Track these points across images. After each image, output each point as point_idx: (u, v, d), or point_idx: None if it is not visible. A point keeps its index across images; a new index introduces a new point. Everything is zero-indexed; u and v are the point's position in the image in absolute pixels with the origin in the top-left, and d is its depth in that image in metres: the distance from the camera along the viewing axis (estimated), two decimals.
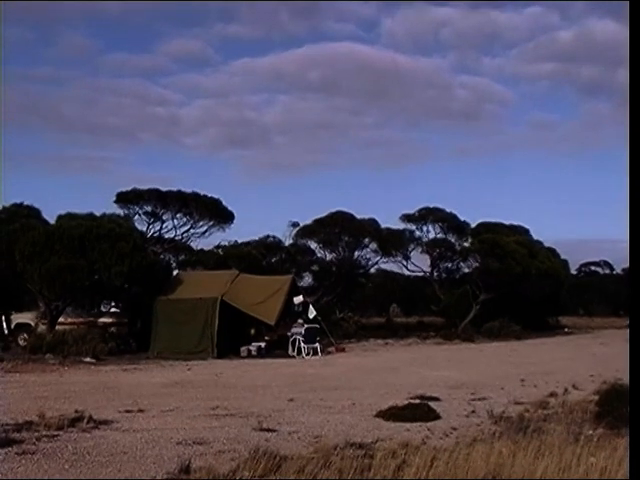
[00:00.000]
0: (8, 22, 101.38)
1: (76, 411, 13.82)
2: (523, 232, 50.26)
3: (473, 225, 48.57)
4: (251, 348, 29.38)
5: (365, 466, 8.79)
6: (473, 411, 14.77)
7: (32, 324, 31.02)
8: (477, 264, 44.69)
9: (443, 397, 16.58)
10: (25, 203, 35.12)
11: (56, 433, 11.94)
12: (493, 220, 49.91)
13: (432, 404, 14.94)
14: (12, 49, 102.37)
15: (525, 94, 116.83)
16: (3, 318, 33.13)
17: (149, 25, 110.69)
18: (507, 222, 50.86)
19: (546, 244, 50.89)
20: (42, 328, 29.69)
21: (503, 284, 41.90)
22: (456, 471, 8.11)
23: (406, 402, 15.12)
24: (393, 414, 13.90)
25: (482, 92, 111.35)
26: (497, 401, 15.94)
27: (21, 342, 29.89)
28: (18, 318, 32.39)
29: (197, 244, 43.18)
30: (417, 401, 15.45)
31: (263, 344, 30.03)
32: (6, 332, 32.31)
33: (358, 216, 45.66)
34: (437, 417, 13.88)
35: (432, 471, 8.14)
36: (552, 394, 16.80)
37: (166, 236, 41.25)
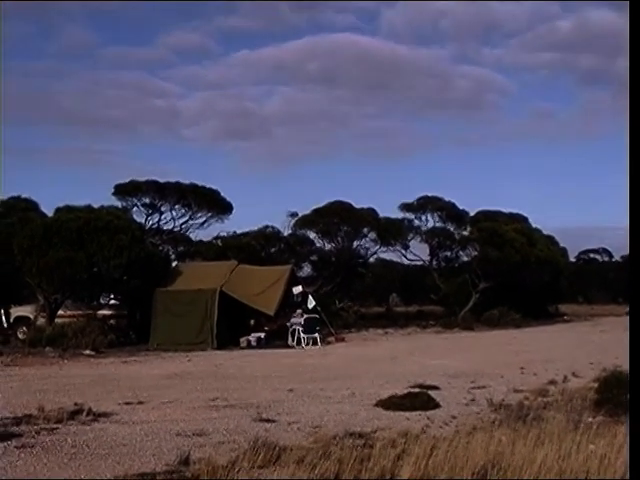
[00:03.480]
0: (8, 16, 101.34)
1: (75, 404, 13.83)
2: (522, 220, 50.27)
3: (472, 214, 48.64)
4: (251, 339, 29.38)
5: (365, 456, 8.78)
6: (473, 399, 14.78)
7: (31, 317, 31.01)
8: (476, 253, 44.67)
9: (443, 386, 16.59)
10: (23, 196, 35.16)
11: (55, 426, 11.94)
12: (492, 209, 50.00)
13: (432, 393, 14.94)
14: (12, 43, 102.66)
15: (525, 84, 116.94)
16: (2, 311, 33.14)
17: (149, 18, 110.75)
18: (506, 210, 50.95)
19: (545, 232, 50.94)
20: (41, 321, 29.69)
21: (502, 272, 41.92)
22: (456, 460, 8.09)
23: (406, 391, 15.10)
24: (393, 403, 13.91)
25: (482, 82, 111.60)
26: (497, 389, 15.94)
27: (20, 335, 29.88)
28: (17, 311, 32.39)
29: (196, 235, 43.30)
30: (417, 390, 15.44)
31: (263, 335, 30.04)
32: (5, 325, 32.33)
33: (357, 206, 45.73)
34: (437, 406, 13.88)
35: (432, 460, 8.12)
36: (552, 382, 16.81)
37: (165, 228, 41.39)
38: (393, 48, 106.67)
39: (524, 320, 42.09)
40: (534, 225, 50.93)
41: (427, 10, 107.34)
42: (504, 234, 43.16)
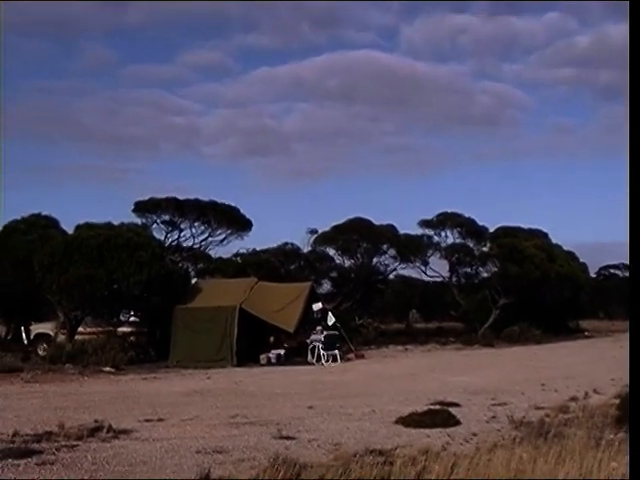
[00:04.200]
0: (28, 35, 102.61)
1: (96, 421, 13.85)
2: (542, 236, 50.06)
3: (492, 230, 48.50)
4: (270, 356, 29.36)
5: (385, 473, 8.73)
6: (493, 416, 14.70)
7: (51, 334, 31.11)
8: (496, 269, 44.53)
9: (463, 403, 16.52)
10: (43, 213, 35.30)
11: (75, 443, 11.96)
12: (512, 224, 49.82)
13: (452, 410, 14.88)
14: (33, 62, 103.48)
15: (544, 99, 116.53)
16: (23, 328, 33.33)
17: (168, 36, 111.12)
18: (526, 226, 50.73)
19: (565, 248, 50.67)
20: (61, 338, 29.76)
21: (522, 288, 41.76)
22: (477, 477, 8.05)
23: (426, 408, 15.04)
24: (413, 420, 13.85)
25: (502, 97, 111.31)
26: (517, 406, 15.85)
27: (41, 352, 29.97)
28: (38, 328, 32.54)
29: (215, 252, 43.30)
30: (437, 407, 15.39)
31: (282, 351, 30.02)
32: (26, 342, 32.47)
33: (376, 222, 45.68)
34: (457, 423, 13.82)
35: (452, 477, 8.09)
36: (573, 398, 16.71)
37: (184, 245, 41.38)
38: (412, 64, 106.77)
39: (544, 336, 41.88)
40: (554, 241, 50.74)
41: (446, 26, 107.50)
42: (524, 250, 43.01)
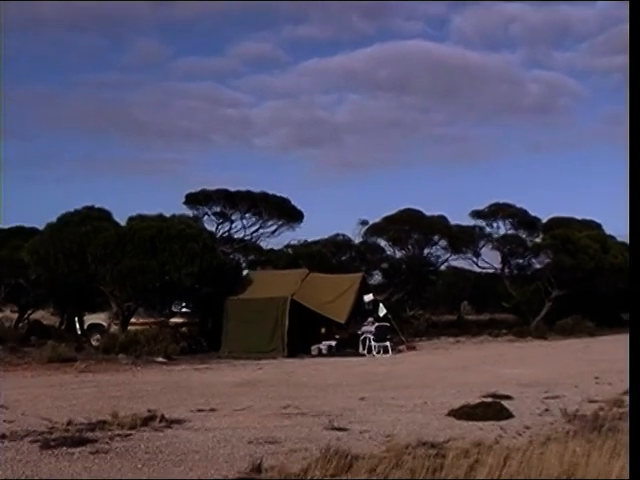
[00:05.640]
0: (81, 30, 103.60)
1: (149, 410, 13.94)
2: (595, 227, 49.38)
3: (544, 220, 47.97)
4: (322, 347, 29.42)
5: (437, 466, 8.70)
6: (546, 409, 14.55)
7: (105, 325, 31.44)
8: (549, 260, 44.04)
9: (516, 395, 16.37)
10: (96, 206, 35.59)
11: (129, 432, 12.06)
12: (565, 215, 49.24)
13: (505, 402, 14.76)
14: (84, 56, 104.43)
15: (597, 87, 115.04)
16: (76, 319, 33.72)
17: (219, 28, 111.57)
18: (579, 217, 50.16)
19: (619, 239, 49.96)
20: (114, 328, 30.06)
21: (576, 280, 41.29)
22: (530, 471, 7.99)
23: (478, 400, 14.93)
24: (465, 413, 13.76)
25: (554, 86, 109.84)
26: (571, 399, 15.68)
27: (94, 342, 30.30)
28: (91, 319, 32.92)
29: (267, 244, 43.35)
30: (489, 399, 15.26)
31: (334, 343, 30.06)
32: (79, 333, 32.84)
33: (427, 213, 45.46)
34: (510, 416, 13.70)
35: (505, 470, 8.03)
36: (627, 392, 16.51)
37: (235, 236, 41.52)
38: (463, 54, 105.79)
39: (598, 328, 41.37)
40: (608, 232, 50.07)
41: (496, 15, 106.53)
42: (577, 241, 42.52)
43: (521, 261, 47.77)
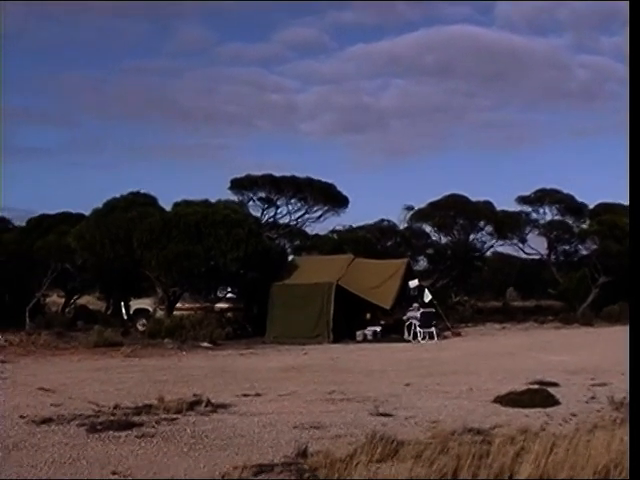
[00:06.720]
0: (126, 17, 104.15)
1: (194, 395, 14.01)
2: None
3: (591, 206, 47.42)
4: (367, 332, 29.36)
5: (483, 452, 8.61)
6: (593, 397, 14.37)
7: (150, 310, 31.69)
8: (596, 246, 43.57)
9: (562, 382, 16.19)
10: (142, 191, 35.75)
11: (175, 416, 12.10)
12: (612, 201, 48.64)
13: (551, 389, 14.60)
14: (130, 43, 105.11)
15: None
16: (122, 304, 33.98)
17: (263, 14, 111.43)
18: (626, 203, 49.52)
19: None
20: (160, 313, 30.29)
21: (623, 267, 40.80)
22: (576, 459, 7.88)
23: (524, 387, 14.82)
24: (511, 399, 13.64)
25: (601, 71, 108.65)
26: (618, 387, 15.41)
27: (140, 327, 30.57)
28: (137, 304, 33.21)
29: (312, 229, 43.31)
30: (536, 386, 15.13)
31: (379, 328, 29.97)
32: (125, 317, 33.12)
33: (473, 199, 45.13)
34: (556, 403, 13.55)
35: (551, 458, 7.92)
36: None
37: (280, 222, 41.52)
38: (509, 38, 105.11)
39: None
40: None
41: None
42: (625, 227, 41.97)
43: (567, 247, 47.30)
